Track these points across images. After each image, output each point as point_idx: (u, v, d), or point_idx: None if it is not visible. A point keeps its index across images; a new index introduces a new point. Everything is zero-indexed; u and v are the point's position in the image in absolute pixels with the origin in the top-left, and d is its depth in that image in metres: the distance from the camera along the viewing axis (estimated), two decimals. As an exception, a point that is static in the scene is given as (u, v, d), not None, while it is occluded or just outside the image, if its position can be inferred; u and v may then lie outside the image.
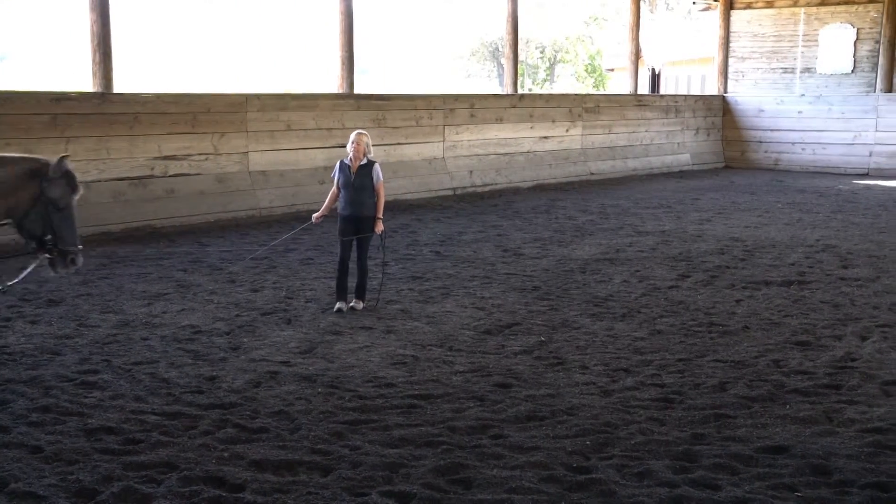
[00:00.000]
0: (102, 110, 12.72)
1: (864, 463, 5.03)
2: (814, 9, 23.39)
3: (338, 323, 8.04)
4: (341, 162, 8.54)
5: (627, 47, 22.79)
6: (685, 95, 26.74)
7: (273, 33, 58.60)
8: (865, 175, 21.60)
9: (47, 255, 5.48)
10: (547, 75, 55.19)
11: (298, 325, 7.97)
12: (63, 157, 5.63)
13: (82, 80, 14.97)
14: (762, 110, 24.01)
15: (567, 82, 54.02)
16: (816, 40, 23.40)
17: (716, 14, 25.22)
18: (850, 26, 22.87)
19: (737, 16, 24.64)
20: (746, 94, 24.45)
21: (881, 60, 22.39)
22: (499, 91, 36.94)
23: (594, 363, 6.92)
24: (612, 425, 5.60)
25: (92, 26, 12.73)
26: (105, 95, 12.81)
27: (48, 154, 11.93)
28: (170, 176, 13.41)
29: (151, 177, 13.24)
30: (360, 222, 8.45)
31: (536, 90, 48.12)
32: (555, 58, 55.14)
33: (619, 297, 9.09)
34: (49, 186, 5.39)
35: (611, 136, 21.36)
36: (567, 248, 11.79)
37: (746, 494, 4.64)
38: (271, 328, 7.87)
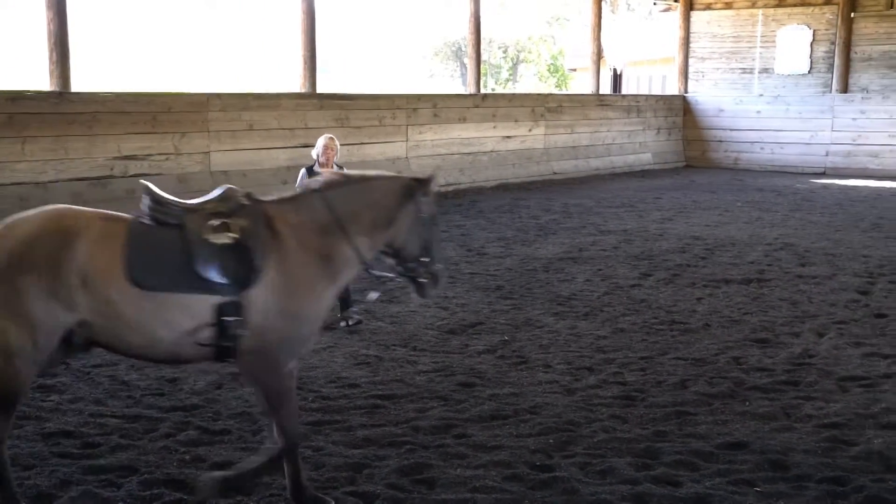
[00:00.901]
0: (60, 110, 12.53)
1: (820, 458, 5.12)
2: (771, 10, 23.72)
3: (301, 323, 7.98)
4: (308, 168, 8.01)
5: (589, 47, 22.93)
6: (646, 95, 26.97)
7: (235, 33, 58.15)
8: (822, 174, 21.94)
9: (419, 279, 4.65)
10: (510, 75, 55.35)
11: (261, 326, 7.90)
12: (432, 174, 4.80)
13: (39, 80, 14.72)
14: (722, 110, 24.29)
15: (530, 82, 54.21)
16: (774, 41, 23.74)
17: (676, 15, 25.45)
18: (806, 27, 23.23)
19: (696, 17, 24.90)
20: (706, 94, 24.72)
21: (836, 61, 22.77)
22: (462, 91, 36.98)
23: (557, 362, 6.96)
24: (575, 423, 5.64)
25: (49, 25, 12.54)
26: (63, 94, 12.62)
27: (5, 154, 11.79)
28: (130, 176, 13.22)
29: (111, 177, 13.06)
30: None
31: (499, 90, 48.20)
32: (517, 58, 55.33)
33: (581, 296, 9.15)
34: (425, 203, 4.58)
35: (573, 135, 21.49)
36: (530, 248, 11.84)
37: (706, 490, 4.70)
38: (233, 329, 7.80)
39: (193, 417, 5.67)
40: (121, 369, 6.59)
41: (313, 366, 6.79)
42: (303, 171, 8.01)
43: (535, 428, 5.56)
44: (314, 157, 8.16)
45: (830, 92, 22.92)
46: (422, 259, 4.58)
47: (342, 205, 4.39)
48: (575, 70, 43.37)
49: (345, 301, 7.94)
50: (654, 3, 28.73)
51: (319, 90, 16.29)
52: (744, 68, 24.33)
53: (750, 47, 24.16)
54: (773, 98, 23.60)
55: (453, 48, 54.50)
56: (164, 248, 4.08)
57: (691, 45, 24.98)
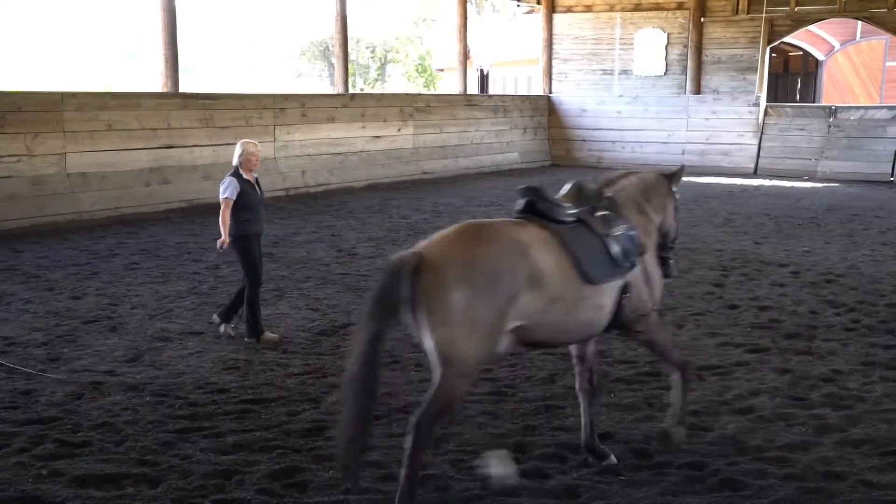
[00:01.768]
0: None
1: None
2: (629, 13, 24.60)
3: (167, 329, 7.77)
4: (238, 178, 7.39)
5: (456, 48, 23.19)
6: (513, 95, 27.50)
7: (91, 31, 55.89)
8: (679, 172, 22.86)
9: (670, 259, 5.39)
10: (378, 75, 55.35)
11: (124, 333, 7.65)
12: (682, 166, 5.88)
13: None
14: (585, 110, 25.01)
15: (398, 82, 54.37)
16: (632, 44, 24.62)
17: (539, 17, 26.05)
18: (661, 31, 24.20)
19: (559, 19, 25.55)
20: (570, 94, 25.41)
21: (689, 64, 23.84)
22: (330, 91, 36.74)
23: (428, 360, 6.98)
24: (447, 421, 5.68)
25: None
26: None
27: None
28: (-22, 178, 12.55)
29: (-43, 180, 12.35)
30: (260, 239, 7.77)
31: (368, 90, 48.13)
32: (385, 58, 55.40)
33: (452, 295, 9.22)
34: (676, 192, 5.47)
35: (442, 135, 21.68)
36: (401, 248, 11.83)
37: (575, 481, 4.83)
38: (94, 336, 7.52)
39: (51, 430, 5.42)
40: (-30, 383, 6.24)
41: (180, 371, 6.61)
42: (231, 179, 7.39)
43: (407, 427, 5.57)
44: (235, 164, 7.51)
45: (685, 93, 23.97)
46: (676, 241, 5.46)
47: (641, 192, 5.24)
48: (443, 70, 43.75)
49: (233, 308, 7.73)
50: (518, 5, 29.31)
51: (182, 90, 15.85)
52: (604, 70, 25.12)
53: (610, 49, 24.97)
54: (632, 99, 24.46)
55: (321, 48, 54.06)
56: (589, 245, 4.66)
57: (554, 46, 25.61)
